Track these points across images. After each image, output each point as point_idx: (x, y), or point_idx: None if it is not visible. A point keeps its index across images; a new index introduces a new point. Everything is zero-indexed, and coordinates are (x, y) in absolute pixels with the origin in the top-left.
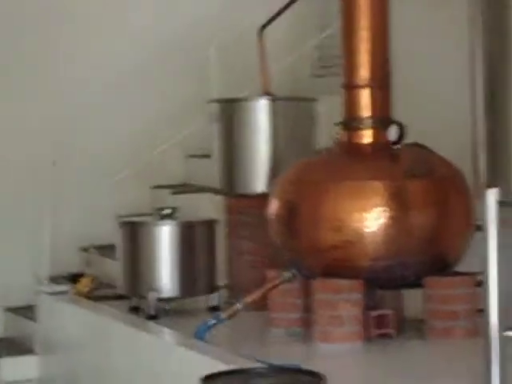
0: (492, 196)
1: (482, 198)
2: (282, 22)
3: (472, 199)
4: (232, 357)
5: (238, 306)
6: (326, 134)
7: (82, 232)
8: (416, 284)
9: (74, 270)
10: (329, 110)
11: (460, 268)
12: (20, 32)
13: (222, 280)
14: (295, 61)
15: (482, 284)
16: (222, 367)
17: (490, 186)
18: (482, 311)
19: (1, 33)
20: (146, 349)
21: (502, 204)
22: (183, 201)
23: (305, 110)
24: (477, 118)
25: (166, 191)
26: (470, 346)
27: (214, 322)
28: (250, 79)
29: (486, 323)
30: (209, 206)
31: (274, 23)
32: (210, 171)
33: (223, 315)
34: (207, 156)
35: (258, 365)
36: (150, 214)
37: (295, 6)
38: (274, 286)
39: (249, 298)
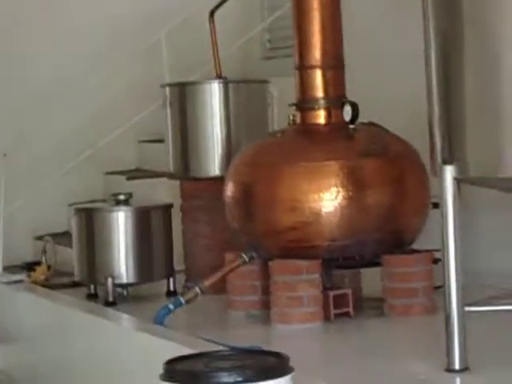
0: (449, 173)
1: (438, 175)
2: (232, 4)
3: (427, 177)
4: (194, 340)
5: (197, 289)
6: (279, 115)
7: (36, 220)
8: (373, 263)
9: (29, 259)
10: (281, 92)
11: (416, 245)
12: None
13: (179, 264)
14: (246, 43)
15: (438, 261)
16: (184, 351)
17: (446, 163)
18: (439, 288)
19: None
20: (106, 336)
21: (458, 181)
22: (137, 186)
23: (257, 92)
24: (432, 95)
25: (120, 177)
26: (428, 322)
27: (173, 306)
28: (200, 63)
29: (448, 299)
30: (163, 191)
31: (224, 6)
32: (163, 156)
33: (182, 299)
34: (159, 141)
35: (220, 348)
36: (103, 201)
37: None
38: (233, 269)
39: (207, 282)
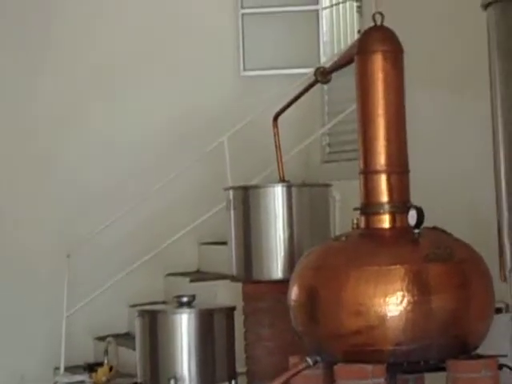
0: None
1: (508, 280)
2: (293, 109)
3: (492, 282)
4: None
5: None
6: (342, 218)
7: (96, 321)
8: (438, 367)
9: (90, 359)
10: (342, 196)
11: (479, 350)
12: (33, 116)
13: (240, 367)
14: (305, 148)
15: (503, 367)
16: None
17: None
18: None
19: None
20: None
21: None
22: (198, 288)
23: (320, 196)
24: (502, 200)
25: (180, 278)
26: None
27: None
28: (261, 167)
29: None
30: (225, 293)
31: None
32: (224, 258)
33: None
34: (220, 243)
35: None
36: (164, 302)
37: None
38: (297, 372)
39: None
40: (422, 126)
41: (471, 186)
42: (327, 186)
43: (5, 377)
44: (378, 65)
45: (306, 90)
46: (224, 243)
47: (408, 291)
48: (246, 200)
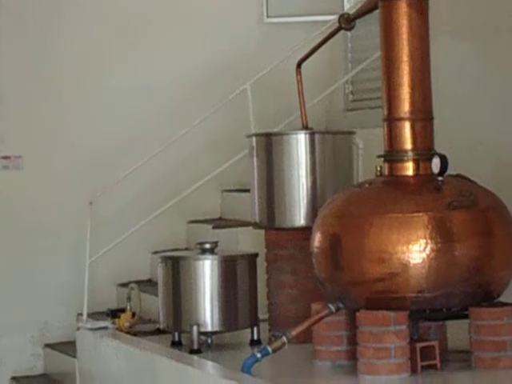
0: None
1: None
2: (316, 56)
3: None
4: None
5: (284, 339)
6: (364, 166)
7: (119, 268)
8: (461, 315)
9: (112, 306)
10: (365, 144)
11: (502, 298)
12: (57, 66)
13: (263, 314)
14: (329, 95)
15: None
16: None
17: None
18: None
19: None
20: (193, 383)
21: None
22: (220, 235)
23: (343, 143)
24: None
25: (203, 226)
26: None
27: (260, 355)
28: (284, 114)
29: None
30: (248, 240)
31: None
32: (247, 205)
33: (269, 348)
34: (243, 190)
35: None
36: (187, 249)
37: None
38: (320, 319)
39: (294, 331)
40: (446, 74)
41: (496, 134)
42: (350, 133)
43: (28, 323)
44: (403, 11)
45: (330, 36)
46: (247, 190)
47: (431, 239)
48: (269, 147)
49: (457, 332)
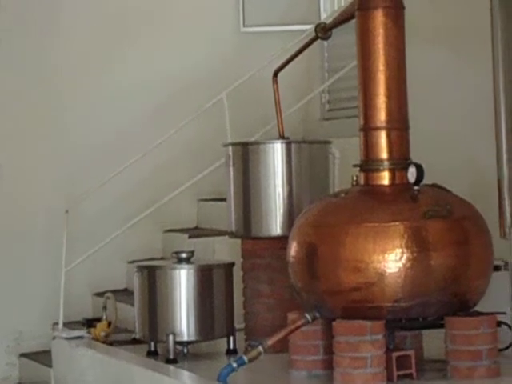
0: None
1: (508, 237)
2: (292, 66)
3: (491, 239)
4: None
5: (261, 348)
6: (340, 175)
7: (94, 277)
8: (437, 324)
9: (88, 315)
10: (341, 153)
11: (478, 308)
12: (31, 80)
13: (239, 323)
14: (305, 105)
15: (501, 324)
16: None
17: None
18: (503, 350)
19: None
20: None
21: None
22: (197, 244)
23: (319, 153)
24: (502, 157)
25: (179, 235)
26: None
27: (236, 365)
28: (260, 123)
29: None
30: (224, 250)
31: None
32: (223, 215)
33: (245, 358)
34: (219, 199)
35: None
36: (162, 258)
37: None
38: (296, 328)
39: (271, 341)
40: (422, 83)
41: (471, 143)
42: (327, 142)
43: (3, 332)
44: (379, 20)
45: (306, 46)
46: (223, 199)
47: (407, 248)
48: (246, 156)
49: (433, 341)
